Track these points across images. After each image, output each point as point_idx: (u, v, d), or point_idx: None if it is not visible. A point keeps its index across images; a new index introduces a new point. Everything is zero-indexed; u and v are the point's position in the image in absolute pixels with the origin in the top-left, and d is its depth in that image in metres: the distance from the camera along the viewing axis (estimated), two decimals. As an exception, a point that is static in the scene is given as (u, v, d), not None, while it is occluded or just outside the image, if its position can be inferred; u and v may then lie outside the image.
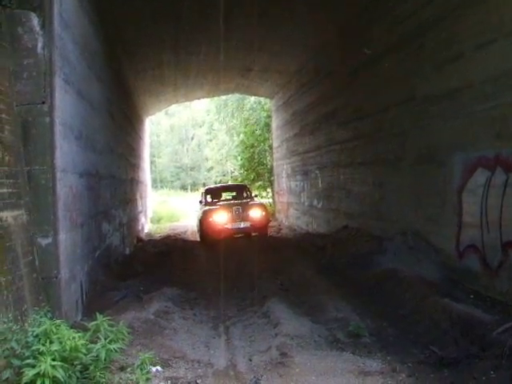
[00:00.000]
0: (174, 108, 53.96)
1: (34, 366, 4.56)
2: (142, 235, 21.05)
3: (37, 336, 5.03)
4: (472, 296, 8.64)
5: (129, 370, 5.50)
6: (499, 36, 8.04)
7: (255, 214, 17.88)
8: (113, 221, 12.71)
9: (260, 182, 32.34)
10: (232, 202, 19.54)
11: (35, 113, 6.51)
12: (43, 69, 6.56)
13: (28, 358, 4.72)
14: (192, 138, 69.09)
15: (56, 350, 4.82)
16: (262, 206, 19.10)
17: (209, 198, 20.25)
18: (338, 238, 14.88)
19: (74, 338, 5.09)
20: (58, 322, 5.37)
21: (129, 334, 6.06)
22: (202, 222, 17.86)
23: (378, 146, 13.08)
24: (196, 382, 5.74)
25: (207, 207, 18.57)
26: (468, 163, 9.04)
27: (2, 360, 4.70)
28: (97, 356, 5.12)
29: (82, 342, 5.14)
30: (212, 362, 6.52)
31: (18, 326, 5.13)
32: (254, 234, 17.61)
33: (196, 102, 42.71)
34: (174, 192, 58.77)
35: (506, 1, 7.93)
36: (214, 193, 21.15)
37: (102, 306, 8.23)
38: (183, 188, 65.09)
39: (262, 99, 31.33)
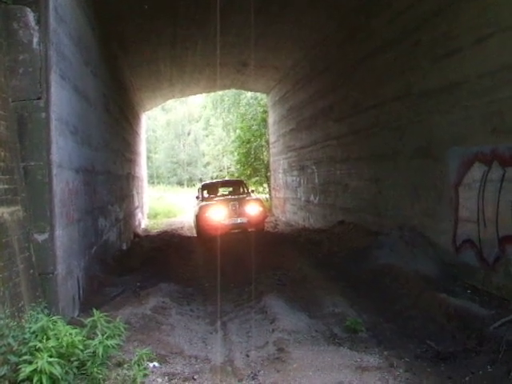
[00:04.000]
0: (170, 103, 53.87)
1: (30, 363, 4.57)
2: (139, 231, 21.02)
3: (34, 332, 5.04)
4: (469, 291, 8.67)
5: (126, 366, 5.50)
6: (496, 30, 8.03)
7: (252, 209, 17.83)
8: (109, 216, 12.69)
9: (257, 178, 32.35)
10: (229, 197, 19.47)
11: (31, 108, 6.49)
12: (39, 64, 6.55)
13: (25, 354, 4.72)
14: (188, 134, 68.92)
15: (53, 347, 4.83)
16: (258, 201, 19.04)
17: (205, 194, 20.20)
18: (334, 233, 14.90)
19: (70, 334, 5.09)
20: (54, 318, 5.38)
21: (126, 329, 6.06)
22: (199, 217, 17.81)
23: (374, 140, 13.09)
24: (193, 377, 5.74)
25: (204, 203, 18.51)
26: (465, 158, 9.04)
27: (-2, 356, 4.70)
28: (94, 352, 5.12)
29: (79, 338, 5.14)
30: (209, 358, 6.52)
31: (15, 323, 5.13)
32: (250, 230, 17.57)
33: (192, 97, 42.64)
34: (171, 187, 58.64)
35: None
36: (211, 188, 21.09)
37: (98, 301, 8.24)
38: (180, 183, 64.94)
39: (258, 94, 31.31)
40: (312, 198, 19.52)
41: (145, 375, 5.35)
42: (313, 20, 15.45)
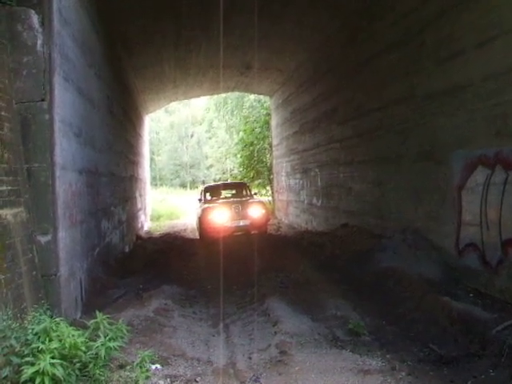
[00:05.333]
0: (173, 105, 53.92)
1: (33, 364, 4.57)
2: (142, 233, 21.04)
3: (36, 334, 5.03)
4: (471, 294, 8.66)
5: (128, 367, 5.50)
6: (500, 33, 8.03)
7: (255, 212, 17.81)
8: (112, 218, 12.70)
9: (259, 180, 32.33)
10: (231, 199, 19.47)
11: (34, 110, 6.51)
12: (42, 66, 6.56)
13: (27, 355, 4.72)
14: (191, 136, 68.97)
15: (55, 348, 4.83)
16: (261, 203, 19.03)
17: (208, 196, 20.18)
18: (337, 235, 14.88)
19: (73, 335, 5.09)
20: (57, 319, 5.38)
21: (128, 331, 6.06)
22: (202, 219, 17.80)
23: (378, 143, 13.08)
24: (195, 380, 5.74)
25: (206, 205, 18.50)
26: (468, 161, 9.03)
27: (1, 358, 4.70)
28: (96, 354, 5.12)
29: (82, 339, 5.14)
30: (211, 360, 6.52)
31: (18, 324, 5.13)
32: (253, 232, 17.55)
33: (196, 99, 42.66)
34: (174, 190, 58.72)
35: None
36: (214, 191, 21.07)
37: (101, 303, 8.25)
38: (182, 186, 65.01)
39: (261, 97, 31.31)
40: (315, 200, 19.51)
41: (147, 377, 5.35)
42: (315, 22, 15.46)
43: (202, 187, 25.11)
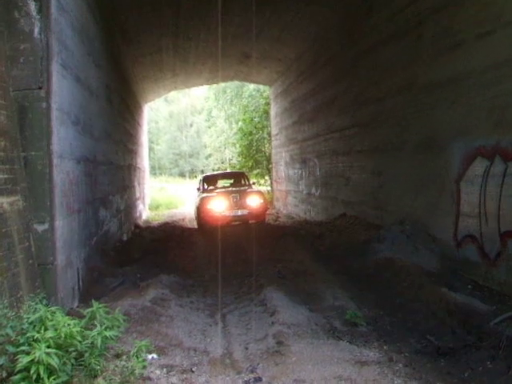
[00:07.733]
0: (173, 95, 53.84)
1: (28, 353, 4.54)
2: (140, 222, 21.02)
3: (32, 323, 5.01)
4: (470, 286, 8.66)
5: (124, 357, 5.47)
6: (499, 25, 7.99)
7: (253, 201, 17.79)
8: (110, 207, 12.67)
9: (258, 170, 32.33)
10: (230, 189, 19.44)
11: (32, 98, 6.47)
12: (40, 54, 6.51)
13: (23, 344, 4.70)
14: (191, 125, 68.90)
15: (51, 337, 4.80)
16: (259, 193, 19.01)
17: (207, 186, 20.18)
18: (335, 226, 14.88)
19: (69, 324, 5.06)
20: (53, 308, 5.35)
21: (125, 321, 6.04)
22: (200, 209, 17.80)
23: (377, 134, 13.05)
24: (192, 369, 5.73)
25: (205, 194, 18.49)
26: (467, 152, 9.01)
27: (-4, 347, 4.69)
28: (92, 343, 5.09)
29: (78, 329, 5.11)
30: (208, 350, 6.50)
31: (14, 313, 5.12)
32: (251, 222, 17.55)
33: (195, 88, 42.55)
34: (173, 179, 58.77)
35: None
36: (212, 180, 21.07)
37: (98, 292, 8.24)
38: (181, 175, 65.01)
39: (261, 86, 31.24)
40: (314, 190, 19.50)
41: (143, 367, 5.33)
42: (315, 13, 15.40)
43: (200, 176, 25.08)
